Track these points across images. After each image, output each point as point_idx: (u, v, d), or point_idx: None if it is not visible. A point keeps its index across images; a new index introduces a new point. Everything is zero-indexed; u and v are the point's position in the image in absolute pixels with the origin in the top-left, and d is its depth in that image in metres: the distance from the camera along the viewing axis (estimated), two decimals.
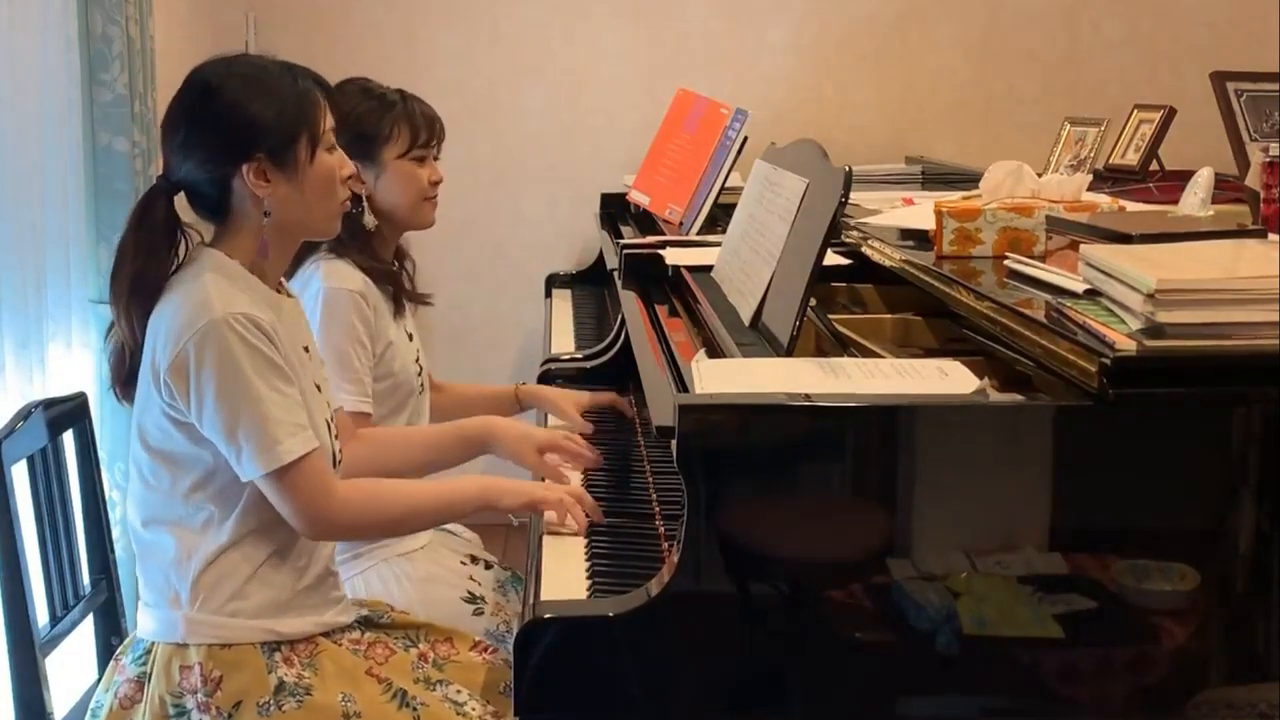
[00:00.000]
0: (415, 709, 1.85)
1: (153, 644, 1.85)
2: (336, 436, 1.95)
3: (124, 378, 1.87)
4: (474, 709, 1.90)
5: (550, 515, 1.94)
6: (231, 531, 1.81)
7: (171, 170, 1.86)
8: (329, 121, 1.89)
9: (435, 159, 2.43)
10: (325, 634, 1.89)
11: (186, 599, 1.81)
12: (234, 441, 1.75)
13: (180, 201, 1.88)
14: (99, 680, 2.04)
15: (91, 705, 1.92)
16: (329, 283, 2.25)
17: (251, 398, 1.74)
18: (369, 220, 2.36)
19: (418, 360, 2.43)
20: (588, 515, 1.92)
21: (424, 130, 2.39)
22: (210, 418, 1.75)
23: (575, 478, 2.17)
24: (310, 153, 1.85)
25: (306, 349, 1.92)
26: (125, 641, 1.95)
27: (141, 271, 1.82)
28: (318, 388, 1.91)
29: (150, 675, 1.83)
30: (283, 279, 1.97)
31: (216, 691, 1.79)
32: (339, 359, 2.23)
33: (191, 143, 1.83)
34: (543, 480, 2.14)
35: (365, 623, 1.97)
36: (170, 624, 1.83)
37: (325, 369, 2.03)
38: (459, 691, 1.91)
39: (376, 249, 2.37)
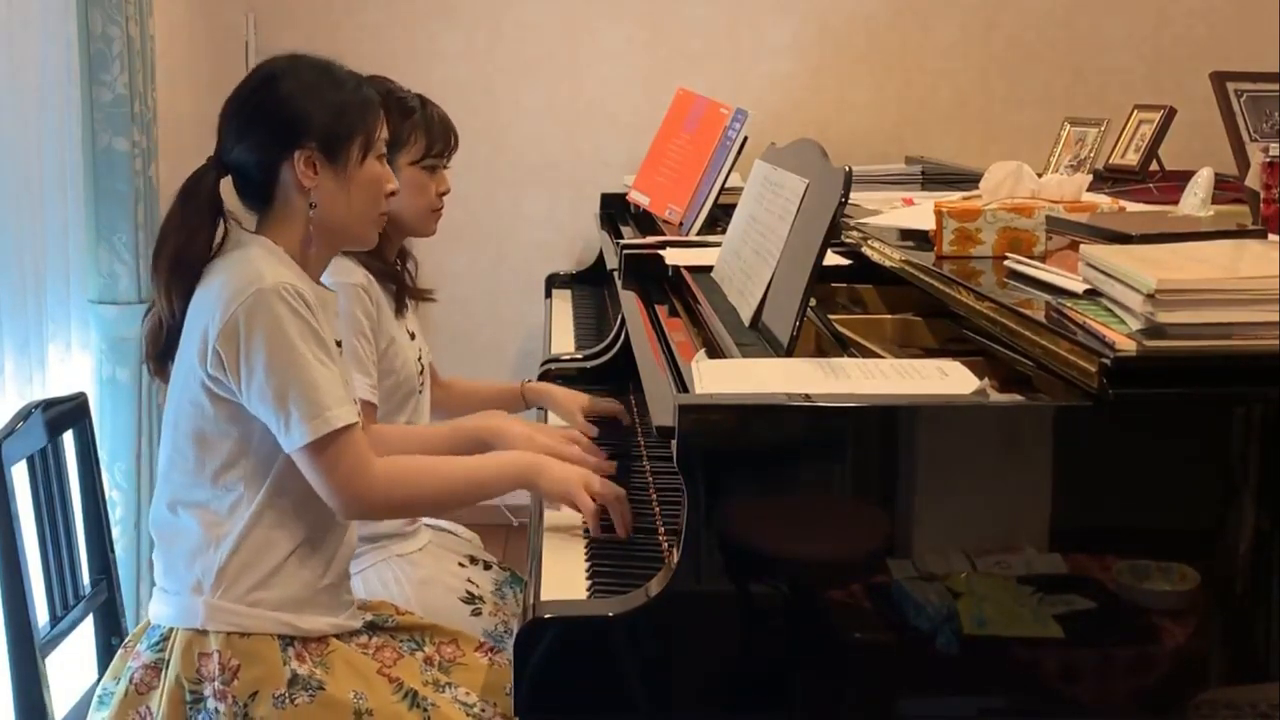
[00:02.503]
0: (426, 709, 1.85)
1: (171, 629, 1.85)
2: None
3: (158, 353, 1.90)
4: (483, 710, 1.90)
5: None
6: (258, 515, 1.83)
7: (224, 151, 1.89)
8: (384, 133, 1.93)
9: (444, 168, 2.44)
10: (337, 635, 1.89)
11: (210, 585, 1.82)
12: (283, 408, 1.76)
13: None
14: (99, 680, 2.04)
15: (98, 693, 1.93)
16: (332, 278, 2.26)
17: (300, 365, 1.77)
18: None
19: (419, 359, 2.43)
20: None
21: (440, 140, 2.40)
22: (260, 385, 1.77)
23: None
24: (362, 155, 1.89)
25: (339, 343, 1.94)
26: (136, 630, 1.95)
27: (183, 248, 1.86)
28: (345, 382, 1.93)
29: (169, 660, 1.84)
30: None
31: (234, 680, 1.80)
32: (347, 351, 2.24)
33: (249, 125, 1.87)
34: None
35: (371, 627, 1.97)
36: (191, 610, 1.83)
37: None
38: (467, 694, 1.92)
39: (380, 249, 2.37)
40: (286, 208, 1.89)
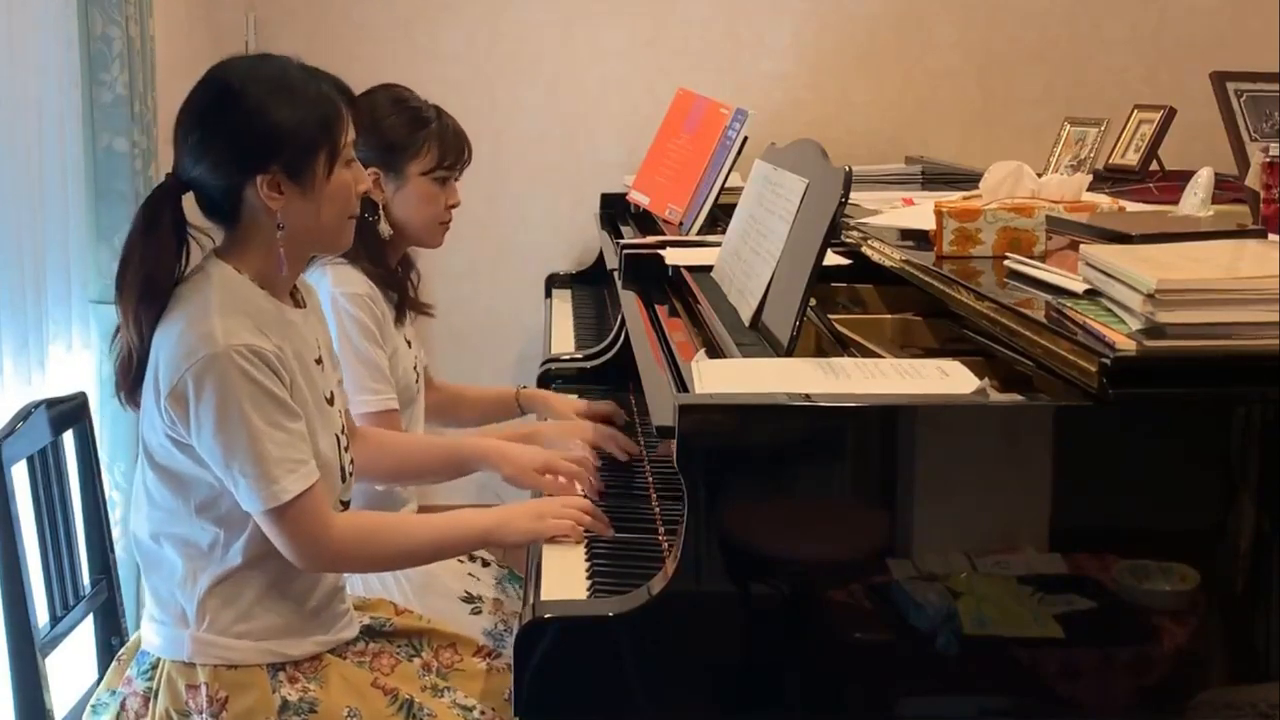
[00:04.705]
0: None
1: (159, 659, 1.84)
2: (348, 449, 1.92)
3: (129, 384, 1.82)
4: (481, 714, 1.89)
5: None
6: (238, 556, 1.79)
7: (182, 170, 1.80)
8: (350, 135, 1.83)
9: (455, 180, 2.43)
10: (330, 650, 1.88)
11: (193, 618, 1.81)
12: (230, 474, 1.73)
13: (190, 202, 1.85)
14: (99, 680, 2.03)
15: (93, 701, 1.92)
16: (340, 288, 2.26)
17: (250, 434, 1.71)
18: (384, 229, 2.35)
19: (415, 367, 2.44)
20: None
21: (453, 152, 2.40)
22: (209, 448, 1.73)
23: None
24: (328, 169, 1.80)
25: (319, 361, 1.88)
26: (130, 643, 1.95)
27: (151, 275, 1.77)
28: (329, 400, 1.89)
29: (157, 691, 1.82)
30: (297, 284, 1.92)
31: (222, 712, 1.78)
32: (363, 360, 2.24)
33: (206, 146, 1.78)
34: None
35: (369, 632, 1.96)
36: (177, 642, 1.82)
37: (341, 374, 2.03)
38: (466, 697, 1.91)
39: (383, 256, 2.37)
40: (253, 228, 1.80)
